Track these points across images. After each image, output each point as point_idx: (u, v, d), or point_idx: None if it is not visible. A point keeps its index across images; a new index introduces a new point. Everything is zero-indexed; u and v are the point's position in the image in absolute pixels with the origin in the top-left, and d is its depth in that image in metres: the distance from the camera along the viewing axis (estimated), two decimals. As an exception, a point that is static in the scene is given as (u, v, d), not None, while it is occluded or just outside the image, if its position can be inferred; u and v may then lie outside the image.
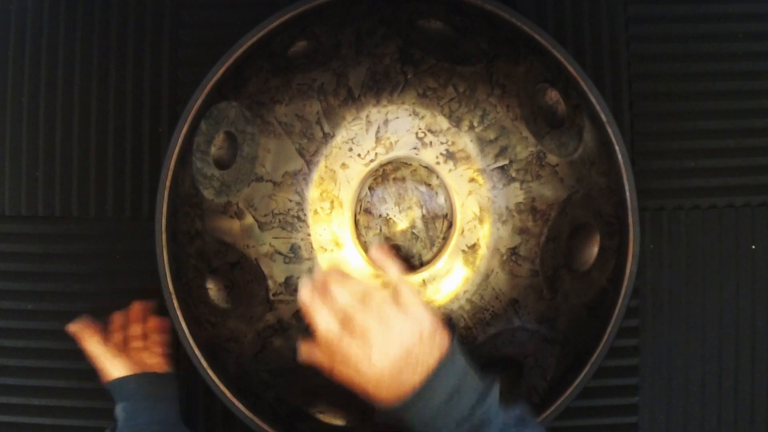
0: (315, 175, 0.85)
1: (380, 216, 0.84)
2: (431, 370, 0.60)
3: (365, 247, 0.85)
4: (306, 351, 0.64)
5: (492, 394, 0.61)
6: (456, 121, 0.84)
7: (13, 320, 0.89)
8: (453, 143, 0.85)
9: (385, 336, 0.60)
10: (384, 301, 0.62)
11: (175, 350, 0.82)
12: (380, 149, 0.85)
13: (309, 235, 0.85)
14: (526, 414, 0.62)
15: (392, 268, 0.66)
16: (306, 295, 0.62)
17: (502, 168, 0.84)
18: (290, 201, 0.85)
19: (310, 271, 0.85)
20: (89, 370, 0.88)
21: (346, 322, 0.61)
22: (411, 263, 0.85)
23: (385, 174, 0.85)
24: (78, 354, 0.88)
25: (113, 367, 0.77)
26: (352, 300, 0.62)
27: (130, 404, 0.76)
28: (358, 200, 0.85)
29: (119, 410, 0.76)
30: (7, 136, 0.90)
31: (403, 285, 0.63)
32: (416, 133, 0.85)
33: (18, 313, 0.89)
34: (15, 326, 0.89)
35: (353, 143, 0.85)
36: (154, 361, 0.80)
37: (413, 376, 0.60)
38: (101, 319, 0.88)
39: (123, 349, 0.80)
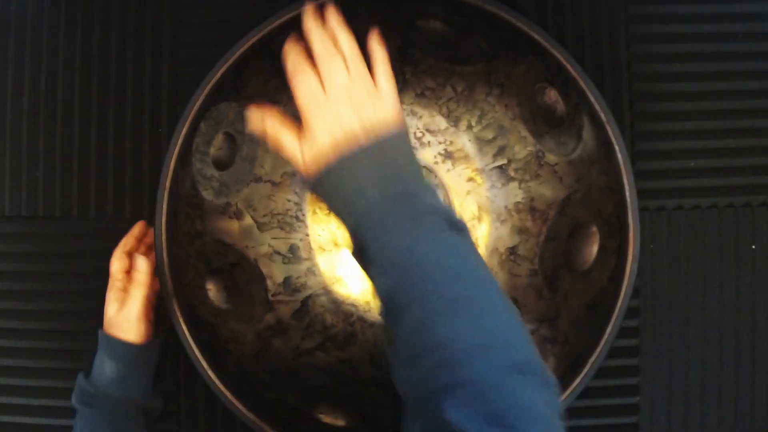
0: (314, 176, 0.85)
1: (379, 216, 0.84)
2: (376, 135, 0.61)
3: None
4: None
5: (428, 186, 0.61)
6: (454, 121, 0.84)
7: (13, 320, 0.89)
8: (451, 143, 0.85)
9: (347, 86, 0.62)
10: (360, 63, 0.63)
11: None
12: (379, 149, 0.85)
13: (308, 235, 0.85)
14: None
15: (376, 45, 0.66)
16: (310, 15, 0.65)
17: (500, 167, 0.84)
18: (289, 201, 0.85)
19: (309, 271, 0.85)
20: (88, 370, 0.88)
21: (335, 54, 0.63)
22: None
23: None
24: (77, 354, 0.88)
25: (134, 328, 0.76)
26: (349, 42, 0.64)
27: (123, 368, 0.75)
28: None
29: (110, 367, 0.75)
30: (7, 136, 0.90)
31: (383, 67, 0.64)
32: (414, 133, 0.85)
33: (18, 313, 0.89)
34: (15, 326, 0.89)
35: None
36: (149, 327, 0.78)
37: (357, 140, 0.60)
38: (101, 321, 0.89)
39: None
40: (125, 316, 0.76)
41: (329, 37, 0.65)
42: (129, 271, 0.78)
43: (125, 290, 0.77)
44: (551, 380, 0.54)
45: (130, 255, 0.79)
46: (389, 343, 0.58)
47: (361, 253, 0.61)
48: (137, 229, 0.84)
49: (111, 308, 0.77)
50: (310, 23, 0.65)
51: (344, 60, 0.63)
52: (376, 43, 0.66)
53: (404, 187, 0.60)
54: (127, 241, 0.82)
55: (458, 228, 0.59)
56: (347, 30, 0.66)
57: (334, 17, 0.66)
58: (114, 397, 0.74)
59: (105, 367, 0.75)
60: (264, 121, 0.66)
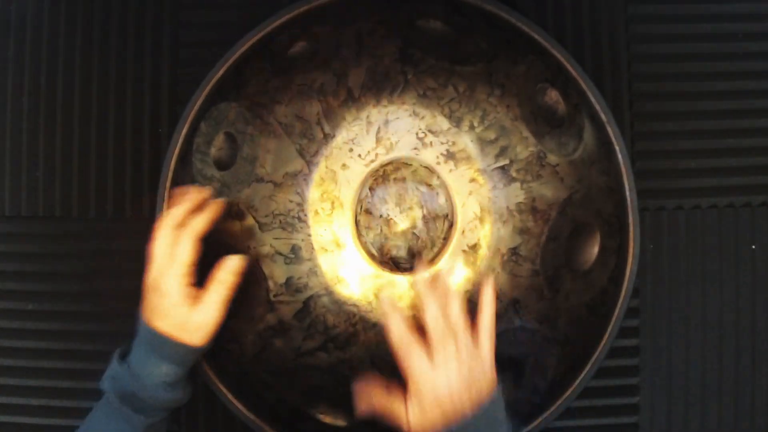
0: (315, 176, 0.85)
1: (381, 216, 0.84)
2: (481, 403, 0.65)
3: (366, 248, 0.85)
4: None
5: None
6: (456, 122, 0.84)
7: (13, 320, 0.89)
8: (453, 143, 0.85)
9: (457, 359, 0.66)
10: (467, 337, 0.68)
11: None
12: (381, 150, 0.85)
13: (309, 235, 0.85)
14: None
15: (488, 310, 0.71)
16: (423, 278, 0.71)
17: (502, 168, 0.84)
18: (291, 202, 0.85)
19: (311, 271, 0.85)
20: (89, 371, 0.88)
21: (446, 328, 0.67)
22: (411, 263, 0.85)
23: (385, 174, 0.85)
24: (77, 354, 0.88)
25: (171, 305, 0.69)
26: (460, 316, 0.68)
27: (180, 371, 0.69)
28: (359, 201, 0.85)
29: (166, 369, 0.69)
30: (7, 136, 0.90)
31: (488, 329, 0.69)
32: (416, 134, 0.85)
33: (18, 313, 0.89)
34: (15, 326, 0.89)
35: (353, 144, 0.85)
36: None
37: (464, 412, 0.64)
38: (101, 322, 0.89)
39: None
40: (200, 320, 0.70)
41: (441, 305, 0.68)
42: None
43: (192, 285, 0.70)
44: None
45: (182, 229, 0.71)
46: None
47: None
48: (197, 195, 0.74)
49: (176, 306, 0.69)
50: (427, 295, 0.69)
51: (455, 335, 0.67)
52: (489, 301, 0.70)
53: None
54: (175, 214, 0.72)
55: None
56: (458, 297, 0.69)
57: (444, 284, 0.70)
58: (162, 399, 0.69)
59: (157, 369, 0.69)
60: (372, 397, 0.70)
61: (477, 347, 0.68)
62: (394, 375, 0.83)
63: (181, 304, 0.69)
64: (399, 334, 0.68)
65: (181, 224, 0.72)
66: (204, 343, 0.70)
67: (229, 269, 0.72)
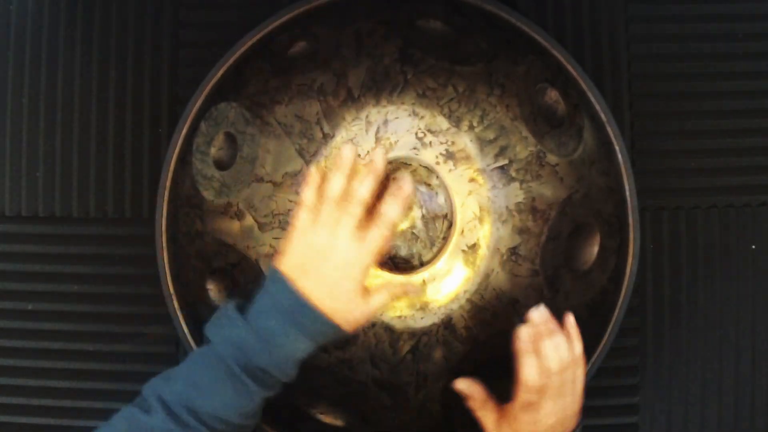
0: (315, 176, 0.85)
1: (380, 216, 0.84)
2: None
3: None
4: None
5: None
6: (456, 121, 0.84)
7: (13, 320, 0.89)
8: (453, 143, 0.85)
9: (557, 407, 0.66)
10: (570, 376, 0.67)
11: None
12: (380, 150, 0.85)
13: (309, 235, 0.85)
14: None
15: (578, 344, 0.69)
16: (525, 339, 0.67)
17: (501, 168, 0.84)
18: (290, 202, 0.85)
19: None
20: (89, 371, 0.88)
21: (544, 379, 0.65)
22: (411, 263, 0.85)
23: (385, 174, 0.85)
24: (77, 354, 0.88)
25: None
26: (559, 365, 0.66)
27: (313, 351, 0.63)
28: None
29: (304, 347, 0.61)
30: (7, 136, 0.90)
31: (580, 364, 0.68)
32: (416, 134, 0.85)
33: (18, 313, 0.89)
34: (15, 326, 0.89)
35: (353, 143, 0.85)
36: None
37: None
38: (101, 322, 0.89)
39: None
40: (363, 310, 0.64)
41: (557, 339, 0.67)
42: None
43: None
44: None
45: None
46: None
47: None
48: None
49: (351, 293, 0.62)
50: (529, 353, 0.66)
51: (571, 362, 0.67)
52: (577, 335, 0.68)
53: None
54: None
55: None
56: (578, 335, 0.68)
57: (571, 324, 0.69)
58: (291, 375, 0.62)
59: (297, 344, 0.61)
60: (473, 386, 0.71)
61: (574, 388, 0.67)
62: (394, 375, 0.83)
63: (357, 294, 0.63)
64: (526, 341, 0.66)
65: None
66: (352, 331, 0.64)
67: (403, 288, 0.69)
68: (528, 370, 0.65)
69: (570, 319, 0.68)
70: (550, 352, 0.65)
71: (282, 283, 0.61)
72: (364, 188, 0.63)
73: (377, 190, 0.65)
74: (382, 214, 0.63)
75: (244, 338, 0.60)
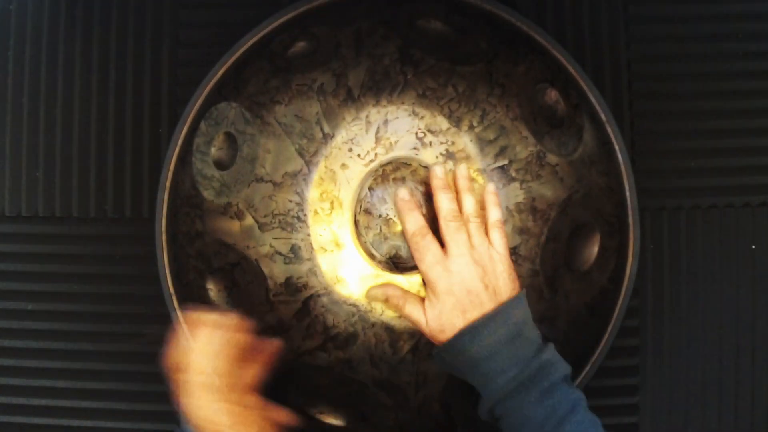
0: (315, 176, 0.85)
1: (380, 216, 0.84)
2: (502, 303, 0.65)
3: (365, 248, 0.85)
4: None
5: (549, 348, 0.65)
6: (456, 121, 0.84)
7: (13, 320, 0.89)
8: (453, 143, 0.85)
9: (471, 255, 0.67)
10: (481, 230, 0.69)
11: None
12: (380, 149, 0.85)
13: (309, 235, 0.85)
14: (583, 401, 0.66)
15: (493, 205, 0.73)
16: (440, 172, 0.72)
17: (501, 168, 0.84)
18: (290, 201, 0.85)
19: (311, 271, 0.85)
20: (88, 371, 0.88)
21: (459, 222, 0.68)
22: (410, 264, 0.85)
23: (385, 174, 0.85)
24: (77, 354, 0.88)
25: (209, 404, 0.63)
26: (473, 210, 0.70)
27: None
28: (358, 200, 0.85)
29: None
30: (7, 136, 0.90)
31: (499, 227, 0.70)
32: (416, 133, 0.85)
33: (18, 313, 0.89)
34: (15, 326, 0.89)
35: (353, 143, 0.85)
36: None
37: (482, 305, 0.65)
38: (101, 322, 0.89)
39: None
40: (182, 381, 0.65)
41: (455, 200, 0.71)
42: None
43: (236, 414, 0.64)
44: None
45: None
46: None
47: (495, 418, 0.65)
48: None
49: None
50: (440, 187, 0.71)
51: (468, 228, 0.69)
52: (494, 204, 0.72)
53: (535, 349, 0.65)
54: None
55: (573, 383, 0.67)
56: (473, 192, 0.72)
57: (463, 178, 0.73)
58: None
59: None
60: (386, 295, 0.72)
61: (490, 241, 0.69)
62: (394, 375, 0.83)
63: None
64: (412, 226, 0.70)
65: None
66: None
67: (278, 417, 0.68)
68: (443, 204, 0.70)
69: (490, 187, 0.75)
70: (466, 200, 0.71)
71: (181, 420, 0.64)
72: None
73: None
74: None
75: None
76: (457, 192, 0.75)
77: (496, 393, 0.64)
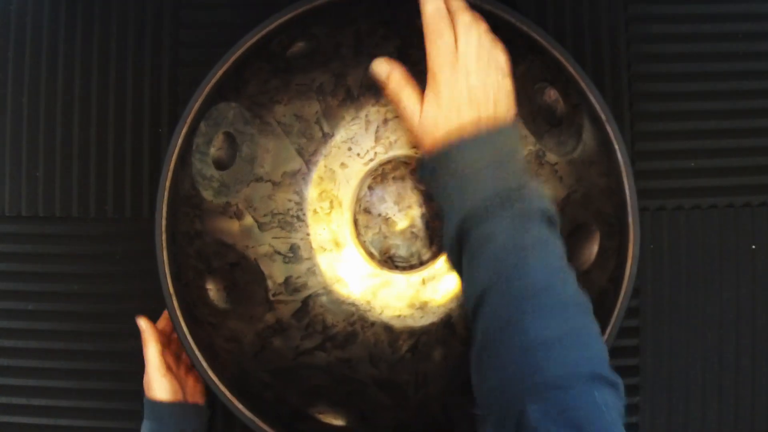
0: (314, 175, 0.85)
1: (380, 215, 0.84)
2: (497, 121, 0.60)
3: (365, 247, 0.85)
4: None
5: (533, 183, 0.60)
6: (455, 121, 0.84)
7: (13, 320, 0.89)
8: (452, 143, 0.84)
9: (479, 54, 0.61)
10: (492, 38, 0.62)
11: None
12: (379, 149, 0.85)
13: (308, 234, 0.85)
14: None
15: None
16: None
17: (501, 168, 0.84)
18: (289, 201, 0.85)
19: (310, 271, 0.85)
20: (88, 371, 0.88)
21: (472, 18, 0.61)
22: (410, 263, 0.85)
23: (384, 173, 0.85)
24: (77, 354, 0.88)
25: (157, 384, 0.78)
26: (474, 17, 0.62)
27: (156, 426, 0.78)
28: (358, 200, 0.85)
29: (145, 428, 0.78)
30: (7, 136, 0.90)
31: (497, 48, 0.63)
32: (416, 134, 0.85)
33: (18, 313, 0.89)
34: (15, 326, 0.89)
35: (352, 143, 0.85)
36: (197, 389, 0.82)
37: (479, 119, 0.59)
38: (101, 322, 0.89)
39: (173, 366, 0.81)
40: (148, 374, 0.78)
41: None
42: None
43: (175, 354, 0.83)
44: (620, 385, 0.54)
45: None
46: (472, 346, 0.58)
47: (460, 243, 0.60)
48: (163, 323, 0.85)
49: (147, 374, 0.79)
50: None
51: (478, 27, 0.62)
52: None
53: (518, 182, 0.59)
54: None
55: (555, 223, 0.60)
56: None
57: None
58: None
59: (143, 429, 0.78)
60: (389, 73, 0.65)
61: (496, 57, 0.62)
62: (393, 374, 0.83)
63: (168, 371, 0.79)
64: (432, 9, 0.62)
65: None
66: (169, 397, 0.78)
67: (141, 328, 0.80)
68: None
69: None
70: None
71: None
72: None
73: None
74: None
75: None
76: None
77: (468, 209, 0.59)
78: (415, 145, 0.62)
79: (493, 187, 0.58)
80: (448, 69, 0.61)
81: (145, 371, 0.79)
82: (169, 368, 0.79)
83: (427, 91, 0.62)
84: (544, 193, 0.61)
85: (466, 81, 0.60)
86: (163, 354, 0.79)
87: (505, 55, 0.64)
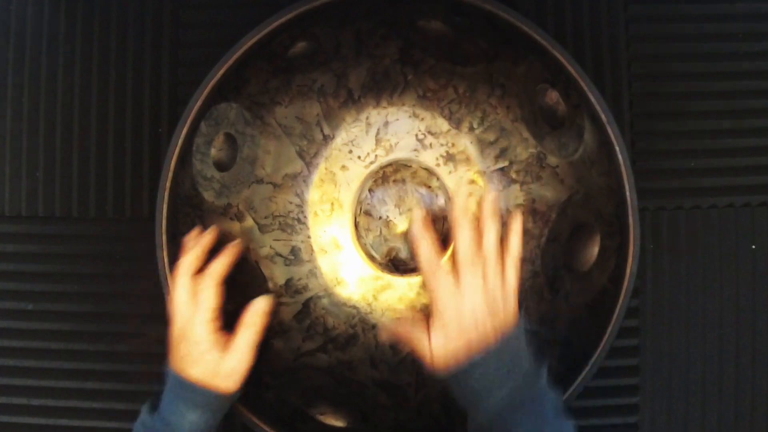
0: (315, 177, 0.85)
1: (380, 218, 0.84)
2: (503, 336, 0.65)
3: (365, 250, 0.85)
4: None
5: (542, 373, 0.66)
6: (456, 123, 0.84)
7: (13, 320, 0.89)
8: (453, 145, 0.84)
9: (484, 291, 0.67)
10: (498, 267, 0.69)
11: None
12: (380, 151, 0.85)
13: (309, 237, 0.85)
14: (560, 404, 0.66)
15: (516, 239, 0.72)
16: (462, 202, 0.70)
17: (502, 170, 0.84)
18: (290, 203, 0.85)
19: (311, 273, 0.85)
20: (88, 370, 0.88)
21: (476, 255, 0.68)
22: (410, 265, 0.85)
23: (385, 176, 0.85)
24: (77, 354, 0.88)
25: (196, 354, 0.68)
26: (494, 245, 0.68)
27: (211, 418, 0.68)
28: (358, 202, 0.85)
29: (196, 417, 0.67)
30: (7, 136, 0.90)
31: (515, 259, 0.70)
32: (416, 135, 0.85)
33: (18, 313, 0.89)
34: (15, 326, 0.89)
35: (353, 145, 0.85)
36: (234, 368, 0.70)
37: (487, 339, 0.65)
38: (101, 322, 0.89)
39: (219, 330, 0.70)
40: (231, 366, 0.69)
41: (475, 229, 0.69)
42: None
43: (220, 330, 0.70)
44: None
45: (200, 277, 0.72)
46: None
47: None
48: (208, 238, 0.75)
49: (206, 352, 0.68)
50: (461, 218, 0.69)
51: (485, 262, 0.68)
52: (517, 236, 0.71)
53: (526, 381, 0.64)
54: (190, 260, 0.73)
55: (562, 410, 0.65)
56: (497, 225, 0.70)
57: (490, 203, 0.71)
58: None
59: (189, 417, 0.67)
60: (396, 326, 0.71)
61: (503, 277, 0.69)
62: (394, 376, 0.83)
63: (211, 350, 0.69)
64: (427, 256, 0.69)
65: (199, 270, 0.73)
66: (236, 388, 0.70)
67: (257, 312, 0.72)
68: (462, 239, 0.68)
69: (517, 218, 0.73)
70: (488, 232, 0.69)
71: (171, 372, 0.69)
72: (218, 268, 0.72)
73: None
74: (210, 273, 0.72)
75: (149, 422, 0.67)
76: (480, 218, 0.72)
77: (485, 411, 0.64)
78: (429, 369, 0.68)
79: (506, 390, 0.63)
80: (451, 308, 0.66)
81: (221, 357, 0.69)
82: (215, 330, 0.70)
83: (432, 329, 0.67)
84: (545, 377, 0.66)
85: (471, 316, 0.66)
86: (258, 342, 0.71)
87: (516, 277, 0.70)
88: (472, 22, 0.78)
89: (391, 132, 0.85)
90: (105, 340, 0.88)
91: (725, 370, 0.88)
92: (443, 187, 0.85)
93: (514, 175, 0.84)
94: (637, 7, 0.89)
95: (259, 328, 0.72)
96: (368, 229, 0.85)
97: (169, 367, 0.69)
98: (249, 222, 0.83)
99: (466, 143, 0.84)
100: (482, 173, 0.84)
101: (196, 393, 0.67)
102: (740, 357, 0.88)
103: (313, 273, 0.85)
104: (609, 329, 0.73)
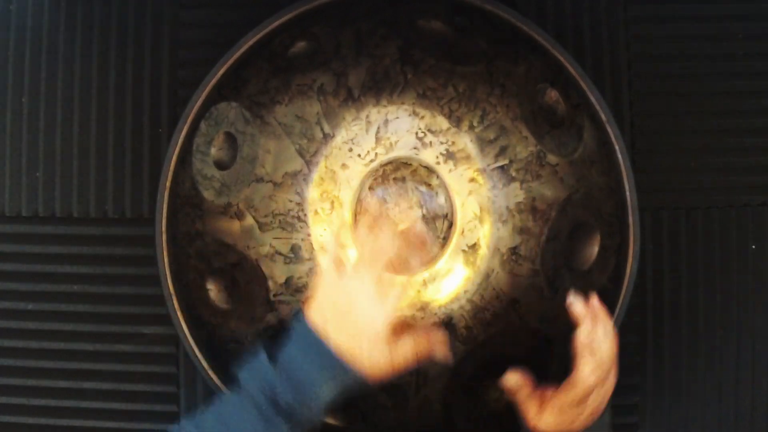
0: (315, 176, 0.85)
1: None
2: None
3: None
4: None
5: None
6: (456, 121, 0.84)
7: (13, 320, 0.89)
8: (453, 143, 0.85)
9: (601, 394, 0.67)
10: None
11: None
12: (380, 149, 0.85)
13: (309, 235, 0.85)
14: None
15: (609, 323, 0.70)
16: (583, 340, 0.67)
17: (502, 168, 0.84)
18: (290, 202, 0.85)
19: (311, 271, 0.85)
20: (88, 370, 0.88)
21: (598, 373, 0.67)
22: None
23: (385, 174, 0.85)
24: (77, 354, 0.88)
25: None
26: (610, 355, 0.67)
27: (341, 398, 0.63)
28: (359, 200, 0.85)
29: (331, 393, 0.62)
30: (7, 136, 0.90)
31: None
32: (416, 133, 0.85)
33: (18, 313, 0.89)
34: (15, 326, 0.89)
35: (353, 143, 0.85)
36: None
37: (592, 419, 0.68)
38: (101, 322, 0.89)
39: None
40: (390, 358, 0.64)
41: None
42: None
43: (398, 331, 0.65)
44: None
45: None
46: None
47: None
48: None
49: (378, 342, 0.63)
50: (587, 324, 0.67)
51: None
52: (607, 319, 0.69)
53: None
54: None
55: None
56: (613, 332, 0.68)
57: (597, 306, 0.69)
58: (319, 421, 0.64)
59: (329, 394, 0.62)
60: (520, 381, 0.70)
61: (614, 364, 0.68)
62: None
63: (382, 343, 0.63)
64: (592, 370, 0.66)
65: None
66: (375, 380, 0.64)
67: (436, 339, 0.68)
68: (586, 369, 0.66)
69: (595, 301, 0.69)
70: (603, 345, 0.66)
71: (309, 331, 0.63)
72: (389, 246, 0.66)
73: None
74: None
75: (274, 383, 0.61)
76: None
77: None
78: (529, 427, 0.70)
79: None
80: (572, 398, 0.67)
81: (391, 351, 0.63)
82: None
83: (548, 405, 0.68)
84: None
85: (585, 414, 0.67)
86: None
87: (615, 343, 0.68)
88: (472, 21, 0.78)
89: (391, 130, 0.85)
90: (105, 340, 0.88)
91: (725, 370, 0.88)
92: (443, 185, 0.85)
93: (513, 174, 0.84)
94: (637, 7, 0.89)
95: (422, 353, 0.67)
96: (368, 228, 0.85)
97: (319, 334, 0.62)
98: (249, 221, 0.83)
99: (466, 141, 0.84)
100: (482, 171, 0.84)
101: (341, 371, 0.62)
102: (740, 357, 0.88)
103: (314, 271, 0.85)
104: (609, 329, 0.73)
